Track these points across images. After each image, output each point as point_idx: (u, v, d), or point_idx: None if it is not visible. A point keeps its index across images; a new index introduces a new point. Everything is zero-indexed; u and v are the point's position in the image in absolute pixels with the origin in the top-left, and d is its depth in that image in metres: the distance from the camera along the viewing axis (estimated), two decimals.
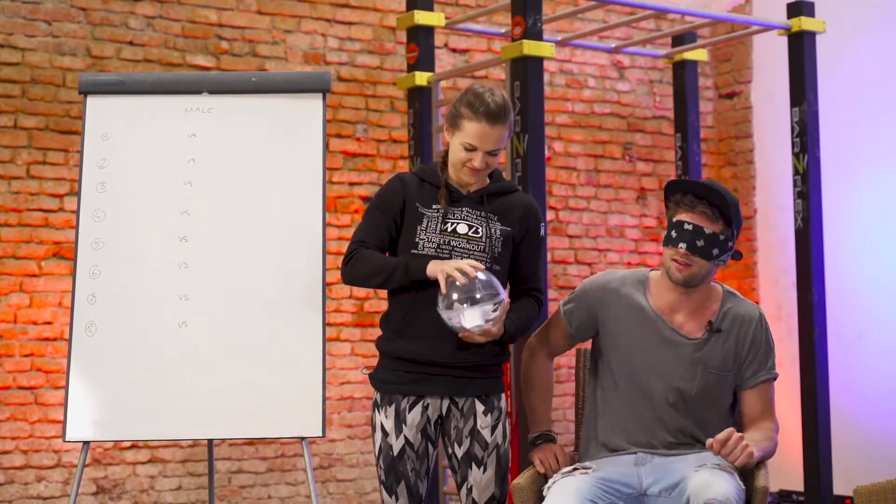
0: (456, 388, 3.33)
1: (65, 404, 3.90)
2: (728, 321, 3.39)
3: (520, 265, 3.41)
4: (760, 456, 3.28)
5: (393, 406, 3.30)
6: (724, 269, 7.57)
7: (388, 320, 3.37)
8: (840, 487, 5.89)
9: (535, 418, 3.56)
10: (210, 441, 4.26)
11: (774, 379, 3.44)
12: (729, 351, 3.38)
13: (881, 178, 6.66)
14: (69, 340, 3.93)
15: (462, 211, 3.34)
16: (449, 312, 3.20)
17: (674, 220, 3.33)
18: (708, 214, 3.29)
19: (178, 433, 4.09)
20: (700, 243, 3.28)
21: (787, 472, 6.96)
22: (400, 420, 3.29)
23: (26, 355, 5.75)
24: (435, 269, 3.21)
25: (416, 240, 3.30)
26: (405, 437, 3.28)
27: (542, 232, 3.44)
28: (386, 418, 3.30)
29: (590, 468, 3.33)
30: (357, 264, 3.32)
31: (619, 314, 3.43)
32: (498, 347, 3.37)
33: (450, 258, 3.29)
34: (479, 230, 3.32)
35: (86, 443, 3.89)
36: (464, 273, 3.17)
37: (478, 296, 3.17)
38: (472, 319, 3.19)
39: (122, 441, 5.56)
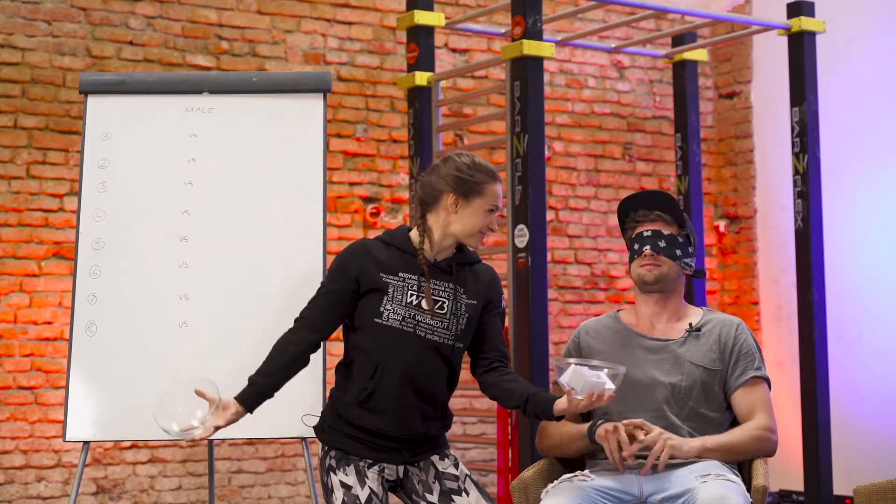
0: (411, 457, 3.34)
1: (65, 404, 3.90)
2: (709, 325, 3.47)
3: (487, 336, 3.37)
4: (701, 447, 3.28)
5: (352, 466, 3.28)
6: (724, 270, 7.57)
7: (349, 382, 3.32)
8: (840, 487, 5.89)
9: (577, 431, 3.45)
10: (210, 441, 4.27)
11: (764, 379, 3.42)
12: (713, 348, 3.42)
13: (881, 178, 6.66)
14: (69, 340, 3.94)
15: (430, 283, 3.29)
16: (594, 372, 3.12)
17: (633, 235, 3.48)
18: (663, 218, 3.46)
19: None
20: (662, 244, 3.42)
21: (787, 472, 6.96)
22: (361, 476, 3.27)
23: (26, 355, 5.75)
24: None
25: (381, 310, 3.25)
26: (370, 487, 3.26)
27: (503, 305, 3.43)
28: (346, 475, 3.26)
29: (590, 476, 3.33)
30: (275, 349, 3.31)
31: (599, 347, 3.50)
32: (447, 419, 3.39)
33: (413, 333, 3.25)
34: (445, 306, 3.28)
35: (86, 443, 3.89)
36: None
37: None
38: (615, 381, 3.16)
39: (122, 441, 5.56)
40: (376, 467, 3.29)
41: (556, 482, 3.32)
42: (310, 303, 3.35)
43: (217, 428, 3.20)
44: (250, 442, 6.13)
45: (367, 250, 3.31)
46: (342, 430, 3.31)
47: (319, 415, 3.41)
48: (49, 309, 5.78)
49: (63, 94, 5.90)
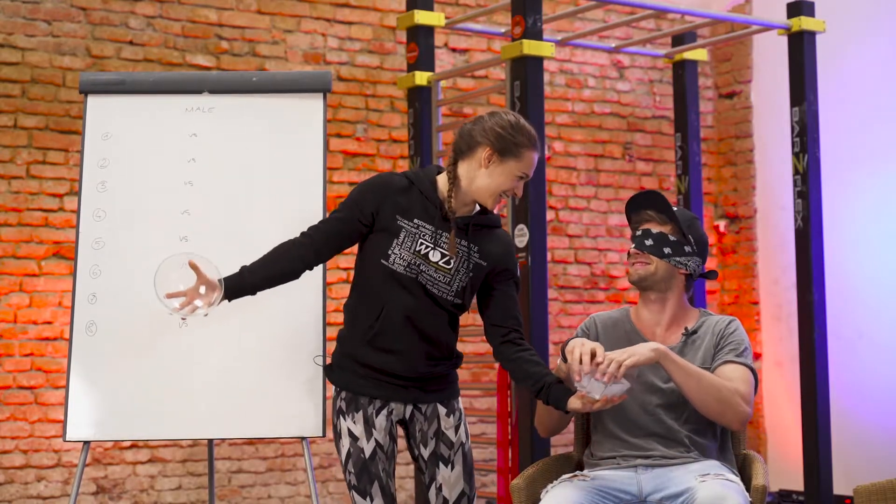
0: (420, 396, 3.35)
1: (65, 404, 3.90)
2: (704, 327, 3.46)
3: (503, 307, 3.36)
4: (663, 352, 3.21)
5: (360, 412, 3.29)
6: (724, 270, 7.57)
7: (355, 321, 3.34)
8: (840, 487, 5.89)
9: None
10: (210, 441, 4.27)
11: (746, 367, 3.35)
12: (708, 348, 3.41)
13: (881, 178, 6.66)
14: (69, 340, 3.93)
15: (443, 236, 3.28)
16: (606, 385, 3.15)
17: (636, 233, 3.49)
18: (655, 218, 3.45)
19: (178, 433, 4.09)
20: (649, 242, 3.42)
21: (787, 471, 6.96)
22: (369, 425, 3.29)
23: (26, 355, 5.75)
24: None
25: (389, 252, 3.26)
26: (375, 439, 3.28)
27: (518, 273, 3.42)
28: (354, 424, 3.29)
29: (589, 476, 3.33)
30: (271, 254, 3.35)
31: (607, 345, 3.45)
32: (455, 358, 3.40)
33: (415, 280, 3.25)
34: (452, 261, 3.27)
35: (86, 443, 3.88)
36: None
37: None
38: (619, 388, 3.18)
39: (122, 441, 5.56)
40: (385, 410, 3.30)
41: (556, 482, 3.33)
42: (320, 223, 3.38)
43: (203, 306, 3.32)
44: (250, 442, 6.13)
45: (389, 188, 3.31)
46: (351, 369, 3.32)
47: (330, 356, 3.42)
48: (49, 309, 5.79)
49: (63, 93, 5.90)
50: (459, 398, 3.45)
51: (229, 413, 3.92)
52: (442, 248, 3.27)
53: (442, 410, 3.37)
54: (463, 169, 3.29)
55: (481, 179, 3.26)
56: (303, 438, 3.92)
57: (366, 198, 3.31)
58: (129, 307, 3.96)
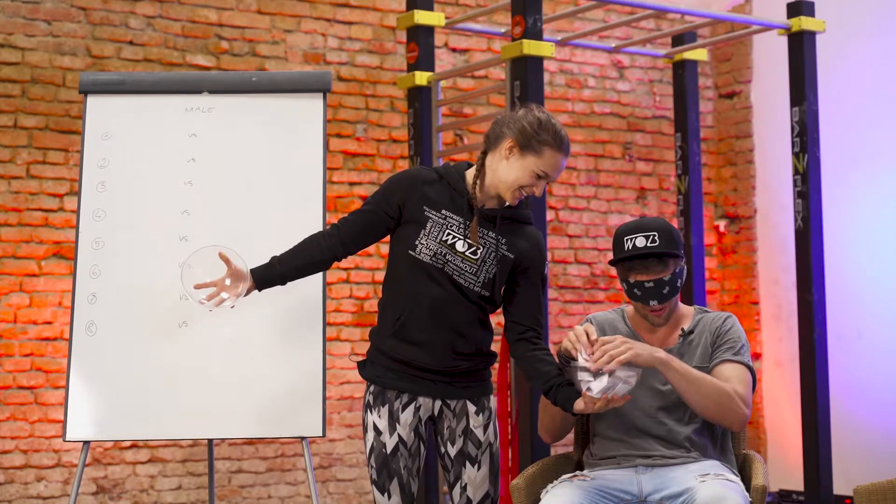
0: (448, 391, 3.35)
1: (65, 404, 3.90)
2: (700, 326, 3.45)
3: (524, 304, 3.37)
4: (665, 360, 3.20)
5: (386, 406, 3.31)
6: (724, 270, 7.58)
7: (384, 315, 3.36)
8: (840, 487, 5.90)
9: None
10: (210, 441, 4.27)
11: (744, 365, 3.34)
12: (705, 346, 3.41)
13: (881, 178, 6.66)
14: (69, 340, 3.94)
15: (476, 221, 3.30)
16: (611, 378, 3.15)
17: (631, 280, 3.37)
18: (661, 266, 3.34)
19: (178, 433, 4.09)
20: (667, 290, 3.35)
21: (787, 472, 6.96)
22: (393, 419, 3.30)
23: (26, 355, 5.75)
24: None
25: (416, 243, 3.28)
26: (399, 435, 3.29)
27: (546, 271, 3.42)
28: (379, 418, 3.31)
29: (589, 476, 3.33)
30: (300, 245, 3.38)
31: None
32: (487, 356, 3.40)
33: (441, 270, 3.27)
34: (479, 252, 3.29)
35: (86, 443, 3.89)
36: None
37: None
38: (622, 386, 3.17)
39: (122, 441, 5.56)
40: (412, 406, 3.31)
41: (555, 482, 3.33)
42: (350, 215, 3.40)
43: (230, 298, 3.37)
44: (250, 442, 6.13)
45: (418, 181, 3.33)
46: (380, 363, 3.34)
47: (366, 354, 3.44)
48: (49, 309, 5.78)
49: (63, 93, 5.90)
50: (491, 397, 3.44)
51: (229, 413, 3.93)
52: (469, 238, 3.29)
53: (471, 408, 3.37)
54: (490, 160, 3.32)
55: (502, 171, 3.29)
56: (303, 438, 3.92)
57: (393, 190, 3.34)
58: (129, 307, 3.97)
